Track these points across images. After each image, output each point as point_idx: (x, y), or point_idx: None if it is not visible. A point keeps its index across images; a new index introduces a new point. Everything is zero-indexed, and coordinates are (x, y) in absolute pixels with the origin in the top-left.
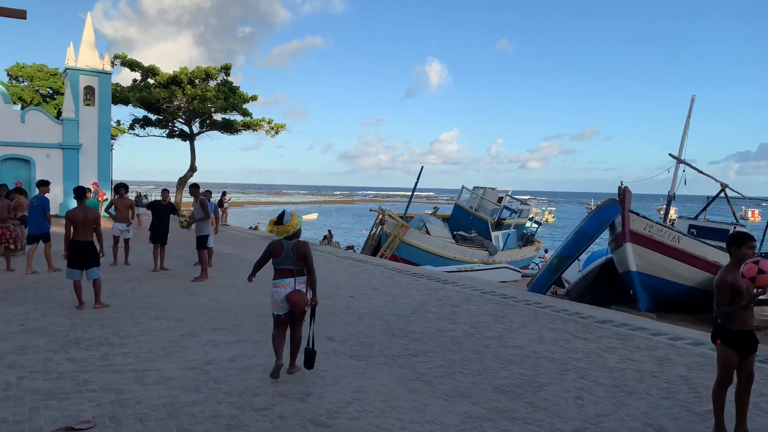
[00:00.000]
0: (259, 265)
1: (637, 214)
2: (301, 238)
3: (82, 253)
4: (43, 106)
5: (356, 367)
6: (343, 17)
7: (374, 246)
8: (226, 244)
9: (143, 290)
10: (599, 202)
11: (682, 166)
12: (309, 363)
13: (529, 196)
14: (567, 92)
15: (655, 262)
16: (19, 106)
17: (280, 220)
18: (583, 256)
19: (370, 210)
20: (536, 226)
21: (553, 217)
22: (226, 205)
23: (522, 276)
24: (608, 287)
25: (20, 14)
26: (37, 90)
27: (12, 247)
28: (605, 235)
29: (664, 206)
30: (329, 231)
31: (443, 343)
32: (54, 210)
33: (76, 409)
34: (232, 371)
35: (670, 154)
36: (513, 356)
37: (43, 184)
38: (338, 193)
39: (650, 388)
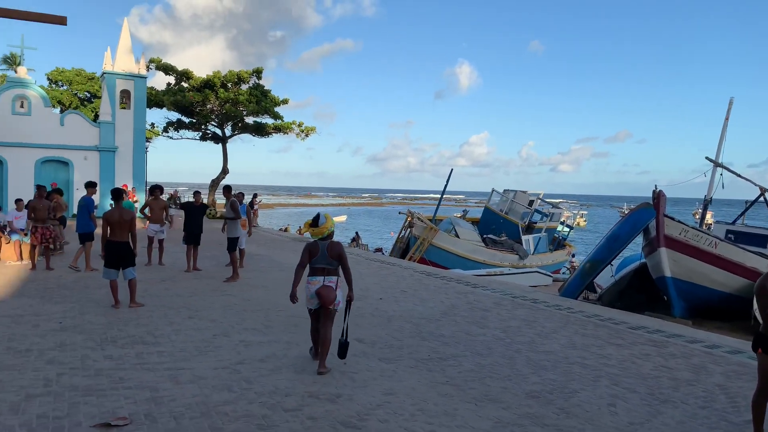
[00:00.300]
0: (300, 271)
1: (672, 219)
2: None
3: (119, 254)
4: (81, 109)
5: (386, 369)
6: (374, 20)
7: (403, 248)
8: (257, 245)
9: (177, 290)
10: (632, 206)
11: (719, 169)
12: (342, 353)
13: (560, 200)
14: (599, 94)
15: (690, 267)
16: (58, 110)
17: (315, 222)
18: (616, 261)
19: (399, 213)
20: (568, 229)
21: (585, 221)
22: (256, 206)
23: (553, 280)
24: (642, 293)
25: (61, 21)
26: (76, 94)
27: (51, 246)
28: (639, 239)
29: (700, 210)
30: (356, 233)
31: (473, 347)
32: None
33: (112, 406)
34: (263, 371)
35: (706, 158)
36: (544, 361)
37: (90, 186)
38: (366, 195)
39: (686, 396)
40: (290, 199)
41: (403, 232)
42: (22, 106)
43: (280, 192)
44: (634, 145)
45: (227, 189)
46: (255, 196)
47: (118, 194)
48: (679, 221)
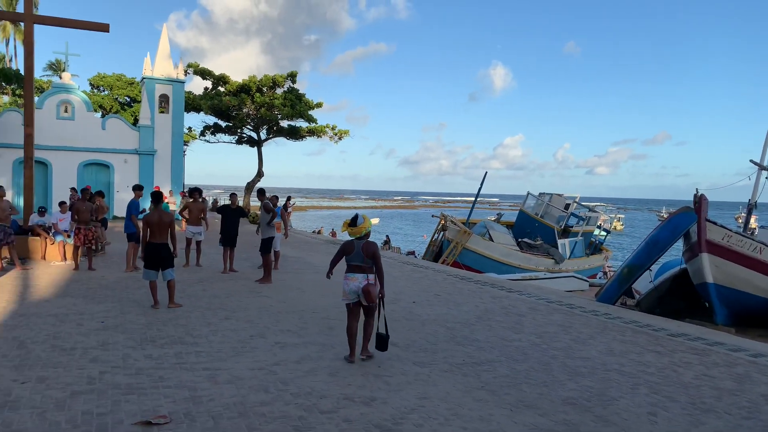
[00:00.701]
0: (334, 262)
1: (714, 223)
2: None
3: (158, 255)
4: (121, 113)
5: (420, 373)
6: (407, 23)
7: (436, 252)
8: (291, 247)
9: (213, 291)
10: (671, 210)
11: (764, 172)
12: (382, 346)
13: (598, 203)
14: (637, 95)
15: (734, 273)
16: (100, 114)
17: (353, 222)
18: (655, 266)
19: (432, 216)
20: (605, 234)
21: (622, 225)
22: (290, 209)
23: (589, 285)
24: (682, 299)
25: (103, 27)
26: (116, 98)
27: (93, 247)
28: (679, 244)
29: (744, 215)
30: (387, 236)
31: (508, 353)
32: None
33: (153, 404)
34: (298, 373)
35: (751, 161)
36: (581, 368)
37: (137, 189)
38: (399, 198)
39: (729, 406)
40: (323, 201)
41: (436, 235)
42: (66, 111)
43: (313, 194)
44: (674, 147)
45: (261, 192)
46: (288, 198)
47: (157, 197)
48: (721, 226)
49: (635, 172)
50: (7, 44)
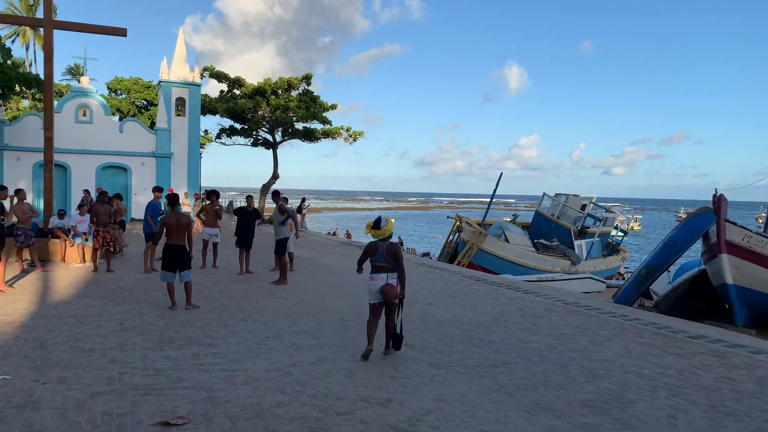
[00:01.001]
0: (361, 262)
1: (734, 224)
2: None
3: (175, 257)
4: (138, 116)
5: (436, 375)
6: (421, 23)
7: (451, 253)
8: (306, 249)
9: (230, 292)
10: (689, 210)
11: None
12: (397, 345)
13: (613, 204)
14: (654, 94)
15: (754, 274)
16: (117, 118)
17: (377, 224)
18: (673, 267)
19: (447, 217)
20: (622, 234)
21: (639, 225)
22: (304, 211)
23: (606, 287)
24: (701, 300)
25: (121, 32)
26: (134, 102)
27: (111, 249)
28: (697, 245)
29: (764, 215)
30: (399, 238)
31: (525, 355)
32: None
33: (171, 405)
34: (315, 374)
35: None
36: (599, 370)
37: (156, 190)
38: (413, 199)
39: (750, 409)
40: (337, 203)
41: (451, 236)
42: (84, 115)
43: (327, 196)
44: (692, 146)
45: (275, 193)
46: (303, 200)
47: (174, 200)
48: (741, 226)
49: (652, 172)
50: (27, 49)
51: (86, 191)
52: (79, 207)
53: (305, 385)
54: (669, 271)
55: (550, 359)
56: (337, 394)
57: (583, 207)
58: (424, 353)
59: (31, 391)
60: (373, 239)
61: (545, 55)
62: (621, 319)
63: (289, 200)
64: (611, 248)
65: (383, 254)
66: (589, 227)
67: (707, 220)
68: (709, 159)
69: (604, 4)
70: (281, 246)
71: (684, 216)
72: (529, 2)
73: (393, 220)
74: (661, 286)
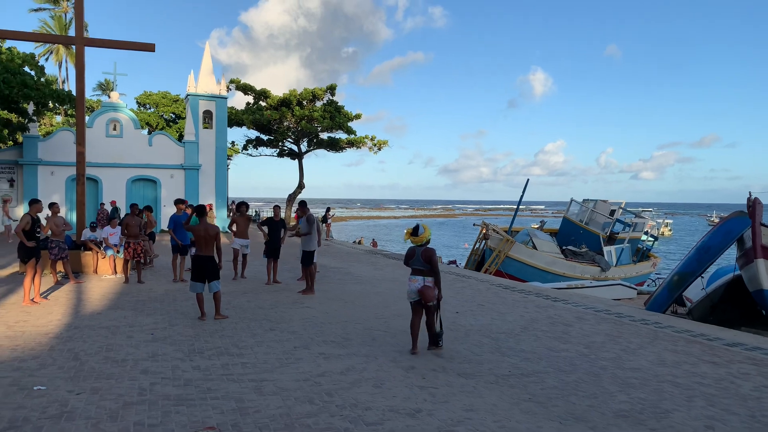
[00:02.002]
0: (406, 264)
1: None
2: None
3: (204, 267)
4: (166, 130)
5: (465, 385)
6: (445, 31)
7: (478, 261)
8: (332, 258)
9: (258, 302)
10: (722, 215)
11: None
12: (435, 341)
13: (642, 208)
14: (683, 97)
15: None
16: (146, 131)
17: (415, 232)
18: (707, 273)
19: (474, 224)
20: (652, 240)
21: (670, 231)
22: (329, 220)
23: (638, 293)
24: (736, 307)
25: (149, 47)
26: (162, 115)
27: (142, 261)
28: (732, 250)
29: None
30: None
31: (556, 364)
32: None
33: (202, 415)
34: (343, 384)
35: None
36: (632, 379)
37: (178, 202)
38: (438, 207)
39: None
40: (362, 211)
41: (477, 244)
42: (114, 129)
43: (352, 205)
44: (723, 149)
45: (302, 204)
46: (328, 209)
47: (202, 210)
48: None
49: (682, 175)
50: (60, 67)
51: (101, 204)
52: (109, 219)
53: (333, 395)
54: (702, 277)
55: (581, 368)
56: (365, 404)
57: (612, 212)
58: (453, 363)
59: (65, 402)
60: (411, 245)
61: (570, 59)
62: (654, 327)
63: (314, 210)
64: (642, 254)
65: (419, 258)
66: (618, 233)
67: (742, 224)
68: (742, 161)
69: (629, 7)
70: (309, 257)
71: (716, 220)
72: (552, 7)
73: (430, 229)
74: (695, 292)
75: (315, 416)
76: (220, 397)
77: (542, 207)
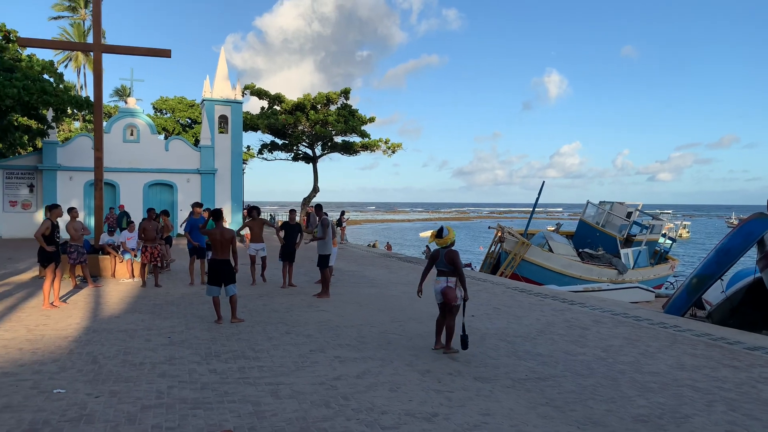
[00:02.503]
0: (426, 271)
1: None
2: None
3: (221, 271)
4: (183, 135)
5: (482, 389)
6: (459, 34)
7: (493, 264)
8: (347, 261)
9: (274, 306)
10: (742, 216)
11: None
12: (464, 345)
13: (660, 210)
14: (700, 98)
15: None
16: (163, 136)
17: (439, 234)
18: (727, 276)
19: (489, 227)
20: (670, 242)
21: (689, 233)
22: (344, 223)
23: (656, 296)
24: (757, 310)
25: (165, 53)
26: (178, 120)
27: (159, 265)
28: (752, 252)
29: None
30: (427, 247)
31: (573, 368)
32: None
33: (219, 419)
34: (359, 387)
35: None
36: (651, 383)
37: (196, 206)
38: (453, 209)
39: None
40: (377, 215)
41: (493, 247)
42: (131, 134)
43: (367, 208)
44: (742, 150)
45: (318, 208)
46: (342, 213)
47: (218, 215)
48: None
49: (700, 177)
50: (78, 73)
51: (111, 209)
52: (127, 224)
53: (350, 399)
54: (722, 280)
55: (599, 372)
56: (381, 408)
57: (629, 215)
58: (469, 366)
59: (84, 405)
60: (436, 246)
61: (585, 60)
62: (673, 330)
63: (329, 213)
64: (659, 257)
65: (443, 260)
66: (635, 235)
67: (762, 226)
68: (762, 162)
69: (645, 7)
70: (324, 260)
71: (736, 222)
72: (567, 9)
73: (454, 231)
74: (715, 295)
75: (331, 420)
76: (236, 401)
77: (560, 210)
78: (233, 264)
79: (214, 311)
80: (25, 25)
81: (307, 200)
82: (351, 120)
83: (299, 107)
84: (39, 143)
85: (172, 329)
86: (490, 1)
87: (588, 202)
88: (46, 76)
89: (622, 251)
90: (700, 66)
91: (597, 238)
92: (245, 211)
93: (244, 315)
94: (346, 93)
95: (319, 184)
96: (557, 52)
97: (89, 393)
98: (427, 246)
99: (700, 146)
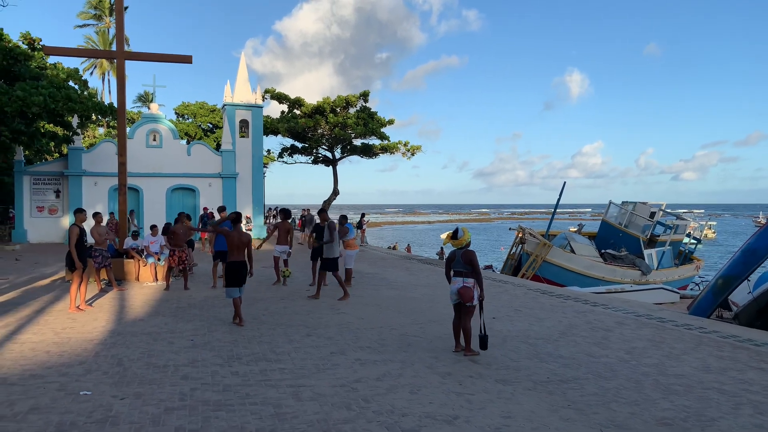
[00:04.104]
0: (447, 273)
1: None
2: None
3: (239, 273)
4: (204, 139)
5: (503, 391)
6: (479, 34)
7: (514, 266)
8: (368, 263)
9: (294, 308)
10: None
11: None
12: (483, 345)
13: (684, 210)
14: (725, 95)
15: None
16: (185, 141)
17: (455, 235)
18: (754, 276)
19: (509, 228)
20: (695, 242)
21: (714, 233)
22: (364, 226)
23: (680, 297)
24: None
25: (187, 59)
26: (200, 125)
27: (187, 268)
28: None
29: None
30: (441, 249)
31: (595, 370)
32: None
33: (240, 421)
34: (379, 390)
35: None
36: (675, 386)
37: (221, 210)
38: (474, 211)
39: None
40: (397, 217)
41: (514, 248)
42: (154, 140)
43: (386, 210)
44: None
45: (322, 212)
46: (362, 215)
47: (237, 218)
48: None
49: (726, 176)
50: (103, 80)
51: (111, 214)
52: (151, 228)
53: (370, 401)
54: (749, 281)
55: (622, 374)
56: (402, 410)
57: (652, 215)
58: (490, 369)
59: (110, 407)
60: (452, 248)
61: (607, 59)
62: (698, 332)
63: (349, 216)
64: (684, 257)
65: (459, 260)
66: (659, 235)
67: None
68: None
69: (669, 4)
70: (332, 264)
71: (764, 221)
72: (588, 7)
73: (470, 231)
74: (741, 296)
75: (352, 422)
76: (258, 403)
77: (588, 210)
78: (249, 266)
79: (236, 313)
80: (52, 34)
81: (327, 203)
82: (370, 123)
83: (319, 110)
84: (65, 149)
85: (195, 332)
86: (510, 1)
87: (610, 203)
88: (71, 83)
89: (646, 252)
90: (725, 62)
91: (620, 238)
92: (269, 212)
93: (265, 318)
94: (365, 96)
95: (338, 187)
96: (578, 51)
97: (114, 395)
98: (441, 248)
99: (726, 144)
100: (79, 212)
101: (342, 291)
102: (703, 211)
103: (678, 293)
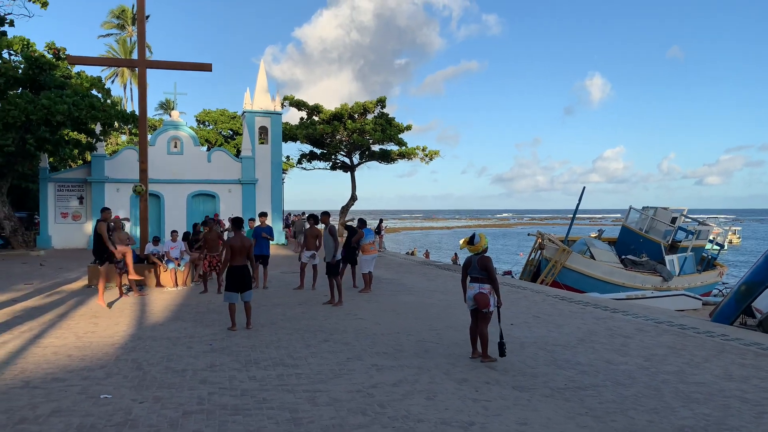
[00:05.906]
0: (463, 279)
1: None
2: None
3: (242, 277)
4: (224, 146)
5: (520, 398)
6: (499, 38)
7: (533, 271)
8: (385, 269)
9: (312, 314)
10: None
11: None
12: (501, 352)
13: (706, 216)
14: (752, 98)
15: None
16: (205, 148)
17: (471, 240)
18: None
19: (529, 234)
20: (717, 248)
21: (739, 238)
22: (382, 231)
23: (703, 304)
24: None
25: (206, 67)
26: (220, 132)
27: (218, 273)
28: None
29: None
30: (455, 254)
31: (614, 377)
32: None
33: (257, 426)
34: (395, 396)
35: None
36: (695, 394)
37: (261, 215)
38: (492, 216)
39: None
40: (415, 222)
41: (533, 254)
42: (175, 146)
43: (405, 216)
44: None
45: (325, 214)
46: (381, 221)
47: (239, 223)
48: None
49: (752, 180)
50: (125, 88)
51: (117, 216)
52: (171, 233)
53: (386, 407)
54: None
55: (641, 382)
56: (417, 416)
57: (674, 220)
58: (507, 375)
59: (129, 410)
60: (469, 253)
61: (629, 63)
62: (720, 339)
63: (367, 221)
64: (707, 263)
65: (475, 266)
66: (680, 241)
67: None
68: None
69: (691, 6)
70: (334, 267)
71: None
72: (609, 11)
73: (487, 238)
74: (766, 303)
75: (367, 427)
76: (275, 408)
77: (618, 215)
78: (251, 271)
79: (241, 318)
80: (76, 44)
81: (345, 208)
82: (388, 128)
83: (337, 117)
84: (88, 156)
85: (214, 337)
86: (530, 5)
87: (630, 208)
88: (94, 92)
89: (667, 257)
90: (749, 65)
91: (640, 244)
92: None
93: (282, 323)
94: (382, 102)
95: (357, 193)
96: (600, 55)
97: (134, 398)
98: (455, 253)
99: (751, 148)
100: (105, 210)
101: (339, 295)
102: (733, 216)
103: (700, 300)
